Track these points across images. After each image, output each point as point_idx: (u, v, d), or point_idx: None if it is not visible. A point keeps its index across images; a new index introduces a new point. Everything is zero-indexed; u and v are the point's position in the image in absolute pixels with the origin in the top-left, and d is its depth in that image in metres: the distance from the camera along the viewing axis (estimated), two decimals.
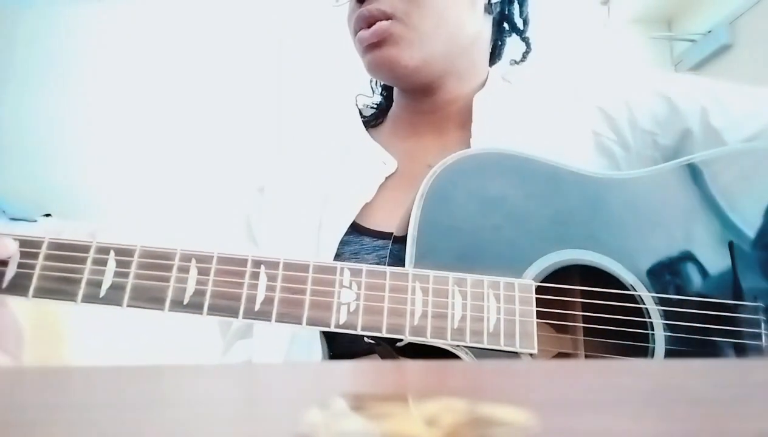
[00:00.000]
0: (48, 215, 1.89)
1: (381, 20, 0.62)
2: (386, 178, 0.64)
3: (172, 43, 2.17)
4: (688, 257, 0.52)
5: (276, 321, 0.44)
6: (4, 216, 1.76)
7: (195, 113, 2.12)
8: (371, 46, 0.63)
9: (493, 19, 0.71)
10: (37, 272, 0.44)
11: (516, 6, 0.73)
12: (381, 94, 0.77)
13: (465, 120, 0.66)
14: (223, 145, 2.09)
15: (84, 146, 2.10)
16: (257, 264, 0.45)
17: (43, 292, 0.44)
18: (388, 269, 0.46)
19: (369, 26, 0.62)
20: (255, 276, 0.45)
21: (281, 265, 0.45)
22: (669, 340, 0.49)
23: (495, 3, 0.70)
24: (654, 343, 0.49)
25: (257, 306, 0.44)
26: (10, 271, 0.44)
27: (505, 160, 0.53)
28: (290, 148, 0.76)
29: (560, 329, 0.52)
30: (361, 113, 0.76)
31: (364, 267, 0.46)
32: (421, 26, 0.62)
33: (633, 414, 0.21)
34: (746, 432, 0.19)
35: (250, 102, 2.13)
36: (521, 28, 0.74)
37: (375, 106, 0.77)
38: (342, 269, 0.45)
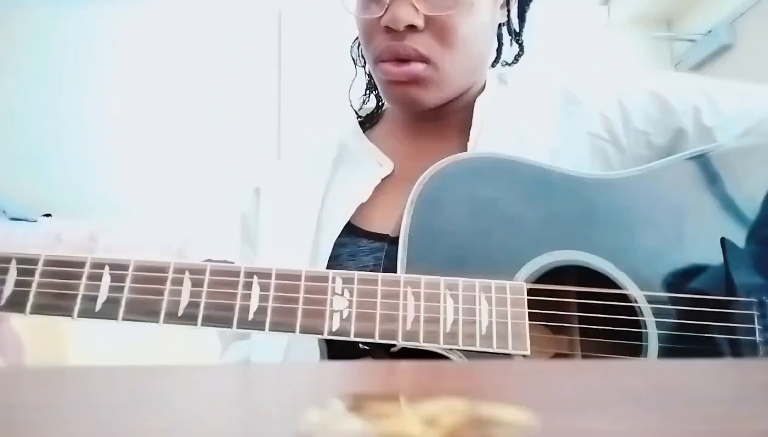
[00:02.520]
0: (48, 215, 1.89)
1: (415, 61, 0.59)
2: (383, 180, 0.64)
3: (171, 44, 2.17)
4: (680, 255, 0.53)
5: (269, 330, 0.44)
6: (4, 216, 1.75)
7: (194, 113, 2.12)
8: (398, 83, 0.61)
9: None
10: (33, 289, 0.44)
11: (515, 10, 0.73)
12: (376, 96, 0.77)
13: (465, 124, 0.66)
14: (221, 146, 2.09)
15: (84, 146, 2.10)
16: (250, 274, 0.45)
17: (40, 309, 0.44)
18: (380, 276, 0.46)
19: (399, 61, 0.59)
20: (248, 286, 0.45)
21: (273, 275, 0.45)
22: (662, 338, 0.49)
23: (505, 23, 0.69)
24: (647, 341, 0.49)
25: (251, 316, 0.44)
26: (8, 289, 0.44)
27: (495, 163, 0.54)
28: (287, 149, 0.75)
29: (556, 330, 0.52)
30: (357, 114, 0.76)
31: (356, 274, 0.46)
32: (451, 71, 0.61)
33: (633, 414, 0.21)
34: (746, 432, 0.19)
35: (248, 103, 2.13)
36: (517, 31, 0.73)
37: (371, 109, 0.77)
38: (334, 277, 0.46)
